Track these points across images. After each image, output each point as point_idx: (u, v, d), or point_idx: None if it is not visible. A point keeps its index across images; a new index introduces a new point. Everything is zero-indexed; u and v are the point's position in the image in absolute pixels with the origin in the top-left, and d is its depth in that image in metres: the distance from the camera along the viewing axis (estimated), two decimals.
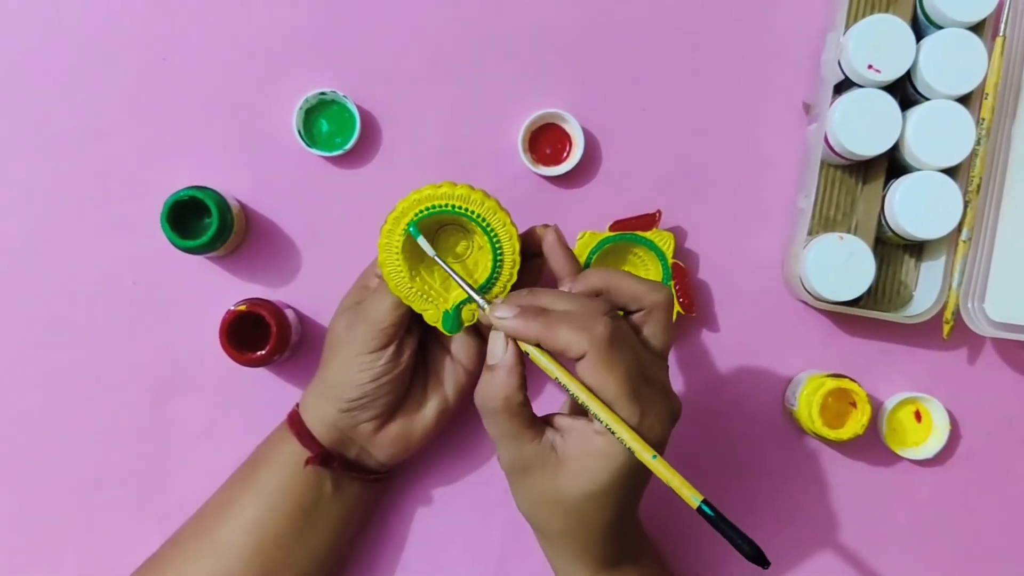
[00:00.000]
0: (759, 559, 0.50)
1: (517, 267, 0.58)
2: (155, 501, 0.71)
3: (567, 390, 0.52)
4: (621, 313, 0.55)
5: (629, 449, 0.51)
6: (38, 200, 0.70)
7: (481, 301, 0.56)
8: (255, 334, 0.66)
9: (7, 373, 0.70)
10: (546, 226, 0.59)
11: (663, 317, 0.55)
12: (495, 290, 0.58)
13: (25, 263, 0.70)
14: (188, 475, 0.70)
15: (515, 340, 0.53)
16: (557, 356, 0.53)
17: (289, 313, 0.68)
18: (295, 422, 0.63)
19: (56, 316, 0.70)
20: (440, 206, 0.56)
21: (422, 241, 0.56)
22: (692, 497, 0.51)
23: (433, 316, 0.59)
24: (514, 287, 0.58)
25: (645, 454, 0.51)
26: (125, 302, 0.70)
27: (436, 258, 0.56)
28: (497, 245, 0.57)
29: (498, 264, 0.58)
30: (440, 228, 0.59)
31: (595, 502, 0.54)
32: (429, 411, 0.64)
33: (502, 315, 0.53)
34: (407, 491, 0.72)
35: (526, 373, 0.54)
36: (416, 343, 0.63)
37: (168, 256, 0.69)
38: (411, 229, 0.56)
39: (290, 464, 0.63)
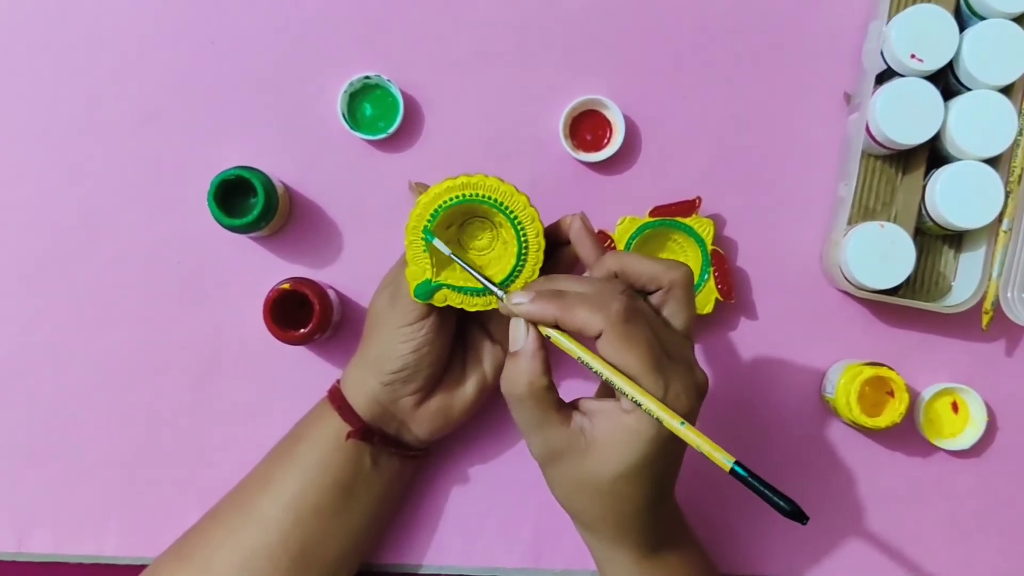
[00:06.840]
0: (797, 515, 0.51)
1: (539, 264, 0.58)
2: (198, 477, 0.72)
3: (591, 369, 0.52)
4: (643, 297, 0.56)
5: (658, 422, 0.51)
6: (88, 180, 0.71)
7: (499, 292, 0.56)
8: (298, 313, 0.67)
9: (56, 351, 0.72)
10: (574, 215, 0.59)
11: (682, 295, 0.55)
12: (515, 285, 0.58)
13: (75, 242, 0.71)
14: (230, 452, 0.71)
15: (535, 325, 0.54)
16: (578, 337, 0.53)
17: (331, 293, 0.69)
18: (336, 397, 0.64)
19: (104, 294, 0.72)
20: (471, 195, 0.57)
21: (438, 243, 0.56)
22: (724, 460, 0.51)
23: (415, 274, 0.58)
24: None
25: (673, 421, 0.51)
26: (171, 280, 0.72)
27: (453, 257, 0.56)
28: (523, 240, 0.57)
29: (522, 259, 0.57)
30: (468, 218, 0.59)
31: (628, 482, 0.53)
32: (468, 387, 0.65)
33: (519, 300, 0.54)
34: (443, 470, 0.72)
35: (550, 360, 0.54)
36: (456, 318, 0.63)
37: (214, 236, 0.70)
38: (427, 235, 0.56)
39: (330, 439, 0.63)
